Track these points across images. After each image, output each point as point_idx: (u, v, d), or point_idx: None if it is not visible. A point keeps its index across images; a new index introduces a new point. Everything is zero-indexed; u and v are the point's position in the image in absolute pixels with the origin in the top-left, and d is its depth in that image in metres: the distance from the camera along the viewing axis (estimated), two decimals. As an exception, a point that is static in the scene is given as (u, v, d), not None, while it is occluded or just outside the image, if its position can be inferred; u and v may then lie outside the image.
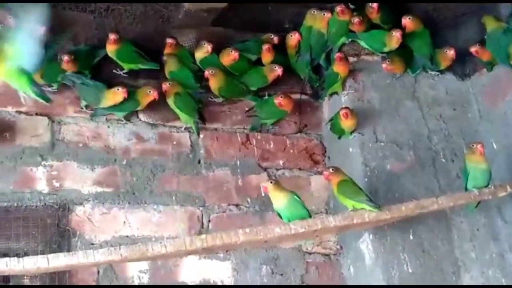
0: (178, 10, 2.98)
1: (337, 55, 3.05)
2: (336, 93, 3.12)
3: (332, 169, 2.68)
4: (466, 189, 2.72)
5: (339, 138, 3.04)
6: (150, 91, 2.86)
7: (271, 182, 2.58)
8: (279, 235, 2.54)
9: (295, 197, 2.55)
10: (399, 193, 2.82)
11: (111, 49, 2.91)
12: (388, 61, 3.05)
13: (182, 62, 3.03)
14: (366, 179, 2.89)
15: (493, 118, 3.01)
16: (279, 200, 2.55)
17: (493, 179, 2.73)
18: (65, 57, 2.81)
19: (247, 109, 3.12)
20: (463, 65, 3.19)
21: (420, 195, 2.81)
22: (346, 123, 2.91)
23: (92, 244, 2.69)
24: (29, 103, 2.69)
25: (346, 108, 2.90)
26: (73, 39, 2.99)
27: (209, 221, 2.89)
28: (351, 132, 2.97)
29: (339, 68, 3.04)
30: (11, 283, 2.52)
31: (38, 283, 2.55)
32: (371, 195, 2.83)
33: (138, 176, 2.87)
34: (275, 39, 3.16)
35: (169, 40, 3.02)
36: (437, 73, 3.17)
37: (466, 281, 2.77)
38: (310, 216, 2.54)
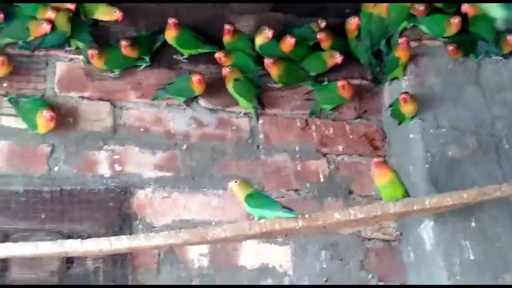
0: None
1: (403, 39, 3.02)
2: (396, 78, 3.09)
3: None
4: (532, 176, 2.69)
5: (399, 124, 3.01)
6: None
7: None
8: (338, 220, 2.54)
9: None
10: (460, 180, 2.78)
11: (170, 36, 2.95)
12: (453, 45, 3.03)
13: (244, 47, 3.05)
14: (427, 166, 2.86)
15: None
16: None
17: None
18: (123, 42, 2.86)
19: (305, 93, 3.12)
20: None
21: (482, 182, 2.74)
22: (406, 108, 2.88)
23: (153, 227, 2.72)
24: None
25: (406, 93, 2.88)
26: (134, 25, 3.04)
27: (268, 205, 2.91)
28: (412, 118, 2.95)
29: (400, 52, 3.02)
30: (74, 264, 2.58)
31: (100, 265, 2.59)
32: (432, 181, 2.83)
33: (197, 161, 2.90)
34: (322, 24, 3.15)
35: (227, 27, 3.04)
36: (500, 58, 3.12)
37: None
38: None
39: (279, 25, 3.16)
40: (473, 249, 2.73)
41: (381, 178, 2.63)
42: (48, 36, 2.82)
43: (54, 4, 2.86)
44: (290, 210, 2.42)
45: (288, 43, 3.04)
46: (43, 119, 2.66)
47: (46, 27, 2.81)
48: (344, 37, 3.18)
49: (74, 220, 2.64)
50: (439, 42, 3.11)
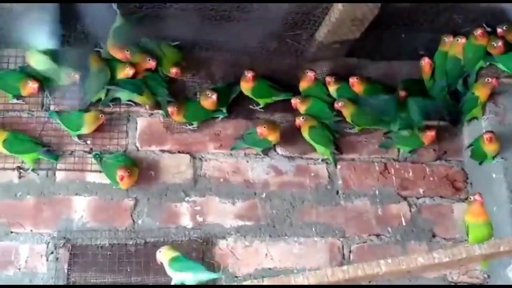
0: (311, 44, 3.03)
1: (494, 79, 2.98)
2: (476, 118, 3.05)
3: None
4: None
5: (481, 163, 2.97)
6: (101, 115, 2.87)
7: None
8: (422, 264, 2.50)
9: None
10: (549, 219, 2.71)
11: (247, 87, 2.99)
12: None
13: (319, 94, 3.06)
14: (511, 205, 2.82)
15: None
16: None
17: None
18: (212, 95, 2.90)
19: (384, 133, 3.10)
20: None
21: None
22: (490, 148, 2.84)
23: (236, 277, 2.75)
24: None
25: (491, 132, 2.84)
26: (210, 77, 3.10)
27: (350, 252, 2.89)
28: (494, 157, 2.91)
29: (479, 90, 2.99)
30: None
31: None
32: (518, 220, 2.78)
33: (277, 209, 2.92)
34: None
35: (309, 73, 3.06)
36: None
37: None
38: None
39: (353, 69, 3.17)
40: None
41: (478, 217, 2.56)
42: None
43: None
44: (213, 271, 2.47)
45: (352, 83, 3.05)
46: (118, 178, 2.73)
47: (130, 72, 2.92)
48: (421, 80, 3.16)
49: (159, 273, 2.66)
50: (518, 80, 3.06)
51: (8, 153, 2.78)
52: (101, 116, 2.86)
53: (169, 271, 2.49)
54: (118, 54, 2.89)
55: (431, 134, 2.98)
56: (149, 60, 2.93)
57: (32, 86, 2.83)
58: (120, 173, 2.72)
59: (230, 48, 3.07)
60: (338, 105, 3.01)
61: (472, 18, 3.07)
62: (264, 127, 2.86)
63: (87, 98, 2.93)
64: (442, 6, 2.96)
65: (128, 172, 2.73)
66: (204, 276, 2.44)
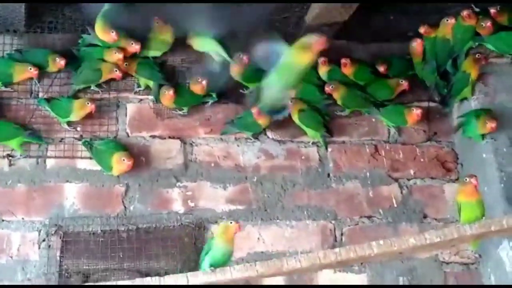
0: (300, 26, 3.03)
1: (482, 56, 3.01)
2: (465, 98, 3.06)
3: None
4: None
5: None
6: (88, 103, 2.86)
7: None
8: (414, 246, 2.51)
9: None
10: (537, 198, 2.72)
11: (236, 72, 2.98)
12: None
13: (308, 77, 3.03)
14: (502, 185, 2.82)
15: None
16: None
17: None
18: (203, 81, 2.91)
19: (373, 119, 3.11)
20: None
21: (561, 199, 2.71)
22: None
23: (229, 261, 2.76)
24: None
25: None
26: (199, 62, 3.09)
27: (341, 234, 2.89)
28: (483, 137, 2.92)
29: (469, 69, 2.99)
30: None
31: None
32: (508, 201, 2.77)
33: (269, 193, 2.92)
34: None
35: None
36: None
37: None
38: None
39: (343, 52, 3.16)
40: (556, 269, 2.69)
41: (470, 196, 2.56)
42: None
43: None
44: None
45: (344, 63, 3.06)
46: (123, 165, 2.74)
47: (118, 74, 2.91)
48: (410, 60, 3.17)
49: (151, 258, 2.69)
50: (507, 59, 3.06)
51: (-5, 142, 2.78)
52: (88, 103, 2.84)
53: None
54: (105, 37, 2.87)
55: (416, 113, 2.98)
56: (132, 44, 2.92)
57: (59, 62, 2.88)
58: (128, 161, 2.74)
59: (219, 32, 3.06)
60: (329, 88, 3.01)
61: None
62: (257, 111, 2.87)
63: (74, 87, 2.94)
64: (430, -14, 2.97)
65: (127, 158, 2.74)
66: None
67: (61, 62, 2.87)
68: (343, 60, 3.06)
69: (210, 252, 2.28)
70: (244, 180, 2.94)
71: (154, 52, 3.02)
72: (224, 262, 2.27)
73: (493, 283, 2.82)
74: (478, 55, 3.01)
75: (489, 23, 2.99)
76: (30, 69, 2.84)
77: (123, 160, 2.74)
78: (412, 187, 3.01)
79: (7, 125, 2.81)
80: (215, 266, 2.24)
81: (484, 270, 2.88)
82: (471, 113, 2.95)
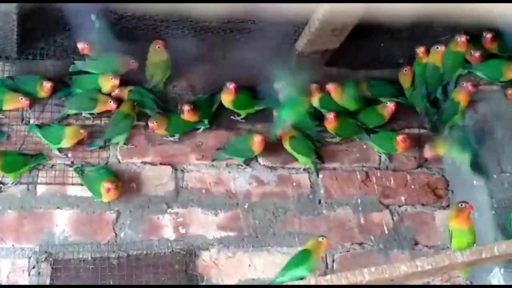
0: (291, 54, 3.05)
1: (469, 83, 3.02)
2: (456, 125, 3.07)
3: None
4: None
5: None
6: (81, 131, 2.86)
7: None
8: (405, 273, 2.51)
9: None
10: (530, 225, 2.72)
11: (227, 99, 2.99)
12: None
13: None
14: (493, 212, 2.83)
15: None
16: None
17: None
18: (186, 107, 2.91)
19: (364, 146, 3.12)
20: None
21: (551, 226, 2.71)
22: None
23: (219, 288, 2.74)
24: None
25: None
26: (191, 88, 3.10)
27: (333, 261, 2.88)
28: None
29: (459, 97, 3.01)
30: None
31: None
32: (499, 227, 2.78)
33: (260, 219, 2.91)
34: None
35: None
36: (561, 100, 3.07)
37: None
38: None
39: (333, 79, 3.17)
40: (545, 295, 2.68)
41: (462, 223, 2.56)
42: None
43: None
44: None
45: (328, 89, 3.07)
46: (104, 190, 2.72)
47: (113, 106, 2.91)
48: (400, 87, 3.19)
49: (142, 285, 2.67)
50: (496, 87, 3.09)
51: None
52: (81, 131, 2.84)
53: None
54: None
55: (402, 138, 2.98)
56: (112, 79, 2.94)
57: (46, 85, 2.87)
58: (106, 185, 2.70)
59: (211, 59, 3.07)
60: (330, 116, 3.02)
61: (451, 27, 3.08)
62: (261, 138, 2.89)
63: (65, 111, 2.94)
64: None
65: (115, 185, 2.72)
66: None
67: (47, 85, 2.86)
68: (327, 86, 3.07)
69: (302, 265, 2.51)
70: (235, 206, 2.93)
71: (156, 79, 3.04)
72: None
73: (484, 310, 2.82)
74: (463, 84, 3.03)
75: (477, 53, 3.03)
76: (21, 99, 2.84)
77: (104, 185, 2.71)
78: (403, 214, 3.01)
79: (14, 154, 2.82)
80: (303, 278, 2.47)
81: (476, 297, 2.87)
82: None
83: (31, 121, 2.93)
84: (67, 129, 2.84)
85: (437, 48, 3.09)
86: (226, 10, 2.61)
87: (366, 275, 2.45)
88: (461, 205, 2.55)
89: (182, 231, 2.84)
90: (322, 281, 2.44)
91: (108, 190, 2.71)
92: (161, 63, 3.01)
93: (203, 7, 2.60)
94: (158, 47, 3.00)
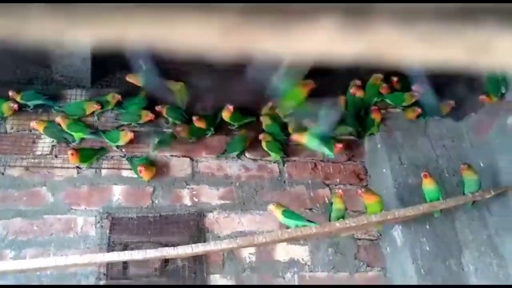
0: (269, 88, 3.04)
1: (373, 107, 3.04)
2: (373, 133, 3.09)
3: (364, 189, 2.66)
4: (464, 194, 2.65)
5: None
6: (129, 132, 2.83)
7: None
8: (339, 228, 2.53)
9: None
10: (418, 198, 2.73)
11: (227, 116, 2.98)
12: (410, 111, 3.05)
13: (273, 119, 3.05)
14: (395, 189, 2.85)
15: (479, 146, 2.91)
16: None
17: (481, 186, 2.64)
18: (194, 118, 2.91)
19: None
20: (458, 111, 3.10)
21: (432, 199, 2.73)
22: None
23: (219, 237, 2.74)
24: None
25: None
26: (203, 108, 3.09)
27: (292, 220, 2.90)
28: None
29: (375, 116, 3.03)
30: (169, 263, 2.59)
31: (186, 263, 2.61)
32: (399, 201, 2.79)
33: (246, 193, 2.92)
34: None
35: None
36: (440, 118, 3.10)
37: (466, 255, 2.68)
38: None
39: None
40: (428, 243, 2.69)
41: (369, 200, 2.59)
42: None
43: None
44: (311, 222, 2.44)
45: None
46: (138, 171, 2.73)
47: (152, 116, 2.90)
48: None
49: (168, 234, 2.67)
50: (399, 110, 3.11)
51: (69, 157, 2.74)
52: (129, 133, 2.84)
53: (283, 219, 2.44)
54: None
55: (339, 146, 2.95)
56: (94, 105, 2.89)
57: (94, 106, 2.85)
58: (139, 168, 2.72)
59: (215, 90, 3.07)
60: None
61: (371, 69, 3.10)
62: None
63: (120, 122, 2.94)
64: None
65: (144, 168, 2.72)
66: (306, 223, 2.41)
67: (95, 106, 2.85)
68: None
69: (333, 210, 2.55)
70: (230, 184, 2.93)
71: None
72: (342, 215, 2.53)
73: (389, 252, 2.83)
74: (375, 108, 3.04)
75: (386, 86, 3.05)
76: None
77: (140, 168, 2.72)
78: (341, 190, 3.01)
79: (86, 150, 2.80)
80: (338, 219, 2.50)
81: (383, 244, 2.90)
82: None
83: (98, 127, 2.92)
84: (122, 133, 2.84)
85: (357, 82, 3.09)
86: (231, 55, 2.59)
87: (313, 230, 2.47)
88: (465, 164, 2.63)
89: (196, 200, 2.85)
90: (285, 233, 2.46)
91: (140, 171, 2.70)
92: (183, 91, 3.00)
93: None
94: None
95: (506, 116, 2.75)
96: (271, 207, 2.50)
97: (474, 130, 2.99)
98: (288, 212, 2.46)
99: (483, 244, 2.71)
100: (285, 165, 3.04)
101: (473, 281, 2.61)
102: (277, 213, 2.47)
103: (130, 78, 2.88)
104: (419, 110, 3.04)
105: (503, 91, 2.77)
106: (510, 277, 2.60)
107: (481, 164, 2.83)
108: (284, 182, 3.00)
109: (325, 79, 3.13)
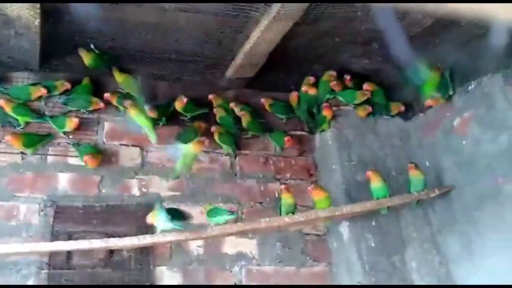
0: (223, 78, 3.02)
1: (324, 104, 3.06)
2: (324, 130, 3.11)
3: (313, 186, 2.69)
4: (409, 192, 2.71)
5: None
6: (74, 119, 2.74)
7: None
8: (287, 223, 2.55)
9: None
10: (365, 195, 2.79)
11: (179, 106, 2.92)
12: (360, 109, 3.07)
13: (226, 111, 3.02)
14: (344, 186, 2.89)
15: (426, 146, 2.98)
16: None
17: (427, 185, 2.72)
18: (147, 107, 2.82)
19: (266, 140, 3.10)
20: (407, 111, 3.16)
21: (379, 196, 2.78)
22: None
23: (167, 228, 2.70)
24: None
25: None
26: (155, 98, 3.02)
27: (242, 213, 2.88)
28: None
29: (326, 113, 3.05)
30: (114, 254, 2.53)
31: (132, 254, 2.56)
32: (347, 196, 2.83)
33: (196, 185, 2.88)
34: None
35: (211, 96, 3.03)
36: (389, 117, 3.15)
37: (409, 252, 2.75)
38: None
39: (248, 96, 3.15)
40: (373, 239, 2.76)
41: (318, 195, 2.62)
42: None
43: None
44: (232, 212, 2.46)
45: (231, 106, 3.04)
46: (84, 161, 2.66)
47: (102, 105, 2.81)
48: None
49: (115, 225, 2.61)
50: (350, 107, 3.13)
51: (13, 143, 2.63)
52: (74, 119, 2.73)
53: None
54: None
55: (288, 138, 2.97)
56: (64, 83, 2.81)
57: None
58: (85, 158, 2.64)
59: (169, 79, 3.02)
60: (240, 113, 2.98)
61: (326, 67, 3.10)
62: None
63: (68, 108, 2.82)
64: (306, 58, 2.99)
65: (91, 156, 2.65)
66: (226, 217, 2.43)
67: (42, 90, 2.74)
68: (230, 104, 3.04)
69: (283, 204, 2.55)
70: (180, 176, 2.87)
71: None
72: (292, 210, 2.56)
73: (335, 247, 2.86)
74: (326, 104, 3.06)
75: (338, 84, 3.07)
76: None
77: (84, 158, 2.65)
78: (288, 185, 3.00)
79: (32, 135, 2.69)
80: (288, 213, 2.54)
81: (330, 239, 2.93)
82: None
83: (46, 113, 2.80)
84: (68, 119, 2.74)
85: (310, 79, 3.10)
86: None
87: (262, 223, 2.49)
88: (412, 164, 2.69)
89: (144, 190, 2.79)
90: (235, 226, 2.47)
91: (86, 161, 2.64)
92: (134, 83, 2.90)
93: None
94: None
95: (452, 117, 2.83)
96: (202, 209, 2.55)
97: (422, 130, 3.04)
98: (212, 210, 2.48)
99: (426, 241, 2.79)
100: (237, 158, 3.02)
101: (415, 277, 2.69)
102: (205, 214, 2.49)
103: (81, 52, 2.75)
104: (370, 109, 3.08)
105: (451, 93, 2.84)
106: (450, 274, 2.69)
107: (427, 164, 2.90)
108: (235, 175, 2.98)
109: (279, 74, 3.15)
